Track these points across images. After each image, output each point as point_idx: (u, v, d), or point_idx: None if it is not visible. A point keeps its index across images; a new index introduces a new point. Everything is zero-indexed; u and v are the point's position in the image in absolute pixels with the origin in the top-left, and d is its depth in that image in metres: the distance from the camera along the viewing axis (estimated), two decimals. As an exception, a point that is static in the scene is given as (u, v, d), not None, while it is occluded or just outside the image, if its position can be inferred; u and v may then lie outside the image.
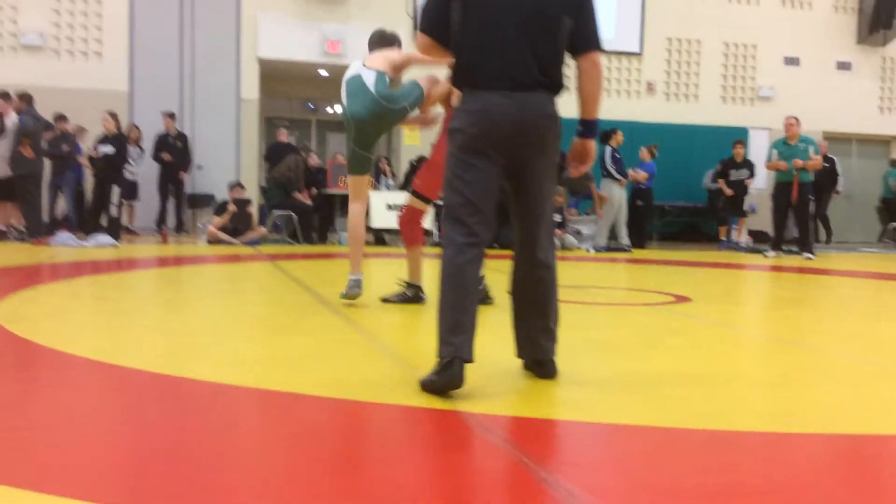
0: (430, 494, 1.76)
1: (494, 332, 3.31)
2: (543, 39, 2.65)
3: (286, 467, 1.88)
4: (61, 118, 11.00)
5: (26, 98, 10.30)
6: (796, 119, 11.04)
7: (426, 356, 3.11)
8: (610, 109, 15.22)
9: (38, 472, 1.79)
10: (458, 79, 2.73)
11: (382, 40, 4.66)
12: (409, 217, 4.73)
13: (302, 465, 1.90)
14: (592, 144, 2.83)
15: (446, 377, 2.52)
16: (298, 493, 1.71)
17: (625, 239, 11.60)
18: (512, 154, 2.66)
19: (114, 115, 10.53)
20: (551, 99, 2.72)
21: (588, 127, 2.79)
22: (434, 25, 2.73)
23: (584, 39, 2.71)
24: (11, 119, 10.05)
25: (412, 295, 4.69)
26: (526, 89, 2.65)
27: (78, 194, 11.67)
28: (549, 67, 2.68)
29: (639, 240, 12.04)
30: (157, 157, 12.23)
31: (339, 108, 16.95)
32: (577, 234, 11.93)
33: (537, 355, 2.86)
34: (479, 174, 2.64)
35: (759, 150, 13.87)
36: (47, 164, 10.64)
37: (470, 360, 2.56)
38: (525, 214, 2.78)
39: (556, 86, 2.72)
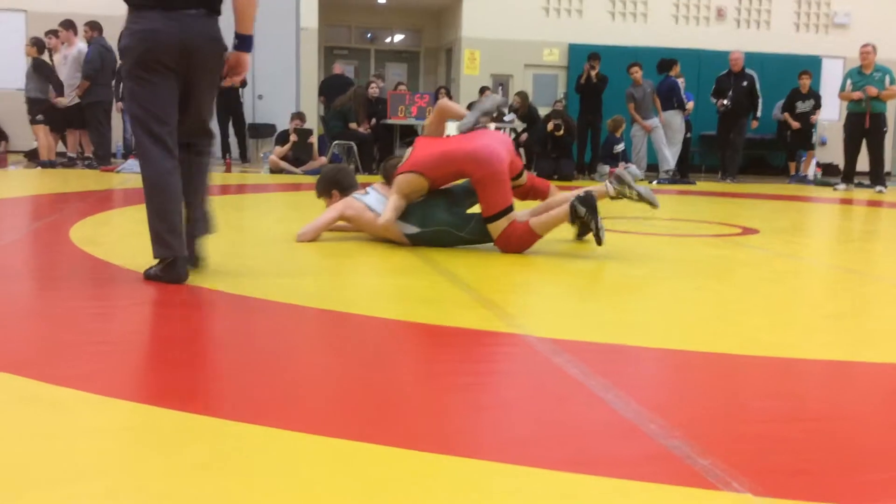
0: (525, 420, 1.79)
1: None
2: None
3: (353, 387, 1.94)
4: None
5: (97, 27, 10.25)
6: (873, 47, 10.55)
7: (491, 283, 3.14)
8: (677, 37, 14.87)
9: (129, 382, 1.89)
10: None
11: None
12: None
13: (376, 386, 1.96)
14: (247, 58, 3.08)
15: (174, 275, 2.92)
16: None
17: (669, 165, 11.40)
18: (180, 71, 2.90)
19: None
20: (214, 21, 2.96)
21: (244, 41, 3.06)
22: None
23: None
24: (77, 48, 10.17)
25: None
26: (187, 7, 2.86)
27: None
28: None
29: (684, 171, 11.84)
30: None
31: (398, 38, 16.82)
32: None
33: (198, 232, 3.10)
34: (159, 89, 2.88)
35: (833, 79, 13.34)
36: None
37: (186, 258, 2.95)
38: (191, 127, 3.04)
39: (216, 7, 2.95)
